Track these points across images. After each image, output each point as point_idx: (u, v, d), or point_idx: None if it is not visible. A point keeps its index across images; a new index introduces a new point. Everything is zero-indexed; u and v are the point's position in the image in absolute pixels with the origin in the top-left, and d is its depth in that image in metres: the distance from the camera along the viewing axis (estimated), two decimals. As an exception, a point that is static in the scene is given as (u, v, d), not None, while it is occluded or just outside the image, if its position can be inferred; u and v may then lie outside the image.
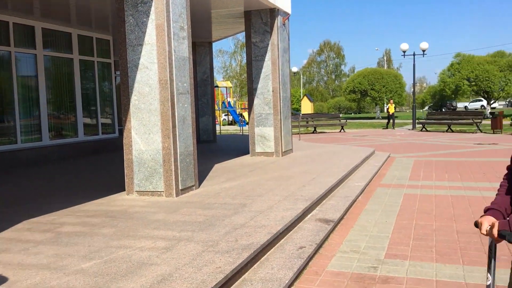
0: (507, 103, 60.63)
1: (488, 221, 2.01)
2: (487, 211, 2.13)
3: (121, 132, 14.61)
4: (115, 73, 14.54)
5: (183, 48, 6.88)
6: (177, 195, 6.64)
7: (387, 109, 30.27)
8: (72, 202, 6.44)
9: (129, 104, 6.71)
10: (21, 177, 9.04)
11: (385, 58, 79.65)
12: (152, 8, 6.47)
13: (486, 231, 1.99)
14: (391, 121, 28.03)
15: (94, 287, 3.37)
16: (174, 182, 6.59)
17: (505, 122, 25.05)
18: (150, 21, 6.51)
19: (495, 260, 1.99)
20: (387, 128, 27.72)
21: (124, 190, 6.96)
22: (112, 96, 14.53)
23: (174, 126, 6.62)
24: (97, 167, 10.30)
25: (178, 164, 6.70)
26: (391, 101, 30.16)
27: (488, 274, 2.01)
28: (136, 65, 6.62)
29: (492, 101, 40.48)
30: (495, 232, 1.91)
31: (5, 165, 10.32)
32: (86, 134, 13.20)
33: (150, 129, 6.64)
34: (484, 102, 44.85)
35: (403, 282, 3.95)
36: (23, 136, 11.13)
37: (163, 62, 6.49)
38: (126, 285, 3.39)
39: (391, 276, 4.11)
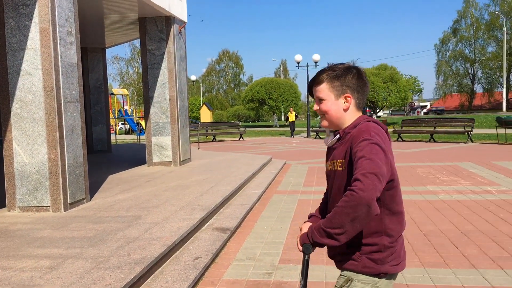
0: (390, 112, 65.82)
1: (304, 228, 2.12)
2: (310, 217, 2.27)
3: (1, 143, 13.46)
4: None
5: (71, 54, 6.52)
6: (65, 209, 6.24)
7: (287, 117, 31.16)
8: None
9: (9, 113, 6.20)
10: None
11: (281, 68, 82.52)
12: (36, 11, 6.06)
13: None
14: (293, 128, 28.68)
15: (-37, 316, 3.03)
16: (62, 195, 6.19)
17: (390, 129, 27.15)
18: (33, 25, 6.09)
19: (307, 267, 2.09)
20: (292, 136, 28.09)
21: (4, 206, 6.40)
22: None
23: (61, 137, 6.23)
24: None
25: (67, 176, 6.31)
26: (291, 109, 31.08)
27: (301, 278, 2.12)
28: (18, 71, 6.15)
29: (378, 110, 43.71)
30: (299, 247, 2.01)
31: None
32: None
33: (34, 139, 6.18)
34: (371, 112, 48.34)
35: (295, 286, 4.07)
36: None
37: (48, 68, 6.09)
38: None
39: (285, 281, 4.21)
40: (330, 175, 2.10)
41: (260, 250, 5.17)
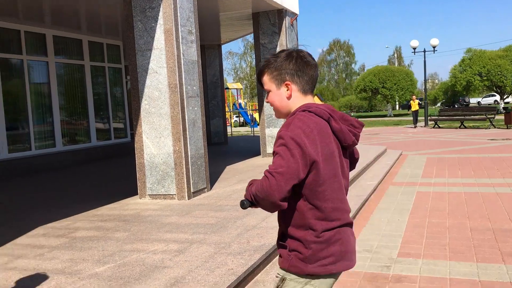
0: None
1: None
2: None
3: (133, 136, 14.74)
4: (126, 78, 14.66)
5: (192, 52, 6.92)
6: (189, 198, 6.68)
7: (409, 106, 29.13)
8: (86, 207, 6.52)
9: (139, 109, 6.77)
10: (36, 184, 9.16)
11: (395, 55, 79.17)
12: (160, 13, 6.53)
13: None
14: (416, 117, 26.67)
15: (108, 290, 3.42)
16: (186, 185, 6.63)
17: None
18: (158, 26, 6.57)
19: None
20: (415, 125, 26.35)
21: (137, 194, 7.02)
22: (123, 101, 14.65)
23: (184, 129, 6.66)
24: (110, 172, 10.40)
25: (190, 167, 6.74)
26: (414, 97, 28.39)
27: None
28: (146, 70, 6.68)
29: (505, 96, 40.01)
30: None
31: (20, 171, 10.47)
32: (98, 139, 13.33)
33: (161, 133, 6.69)
34: (497, 97, 44.34)
35: (416, 281, 3.94)
36: (37, 143, 11.28)
37: (172, 66, 6.54)
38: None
39: (404, 275, 4.09)
40: None
41: (377, 243, 5.07)
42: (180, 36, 6.62)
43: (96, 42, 13.30)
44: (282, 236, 1.94)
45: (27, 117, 11.03)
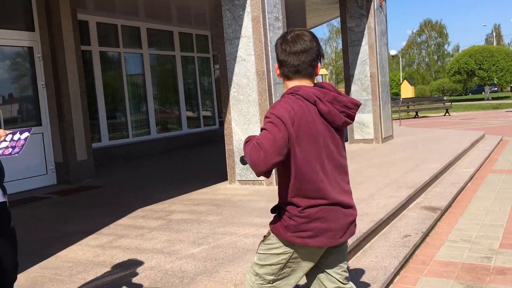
0: None
1: None
2: None
3: (221, 123, 15.13)
4: (213, 67, 15.06)
5: (279, 38, 6.93)
6: (276, 183, 6.75)
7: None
8: (180, 191, 6.83)
9: (228, 96, 6.93)
10: (134, 169, 9.75)
11: (494, 34, 73.58)
12: (248, 1, 6.60)
13: None
14: None
15: (204, 271, 3.57)
16: (274, 170, 6.70)
17: None
18: (246, 14, 6.65)
19: None
20: None
21: (227, 179, 7.22)
22: (211, 89, 15.08)
23: (272, 116, 6.71)
24: (201, 158, 10.79)
25: (278, 153, 6.80)
26: None
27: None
28: (234, 58, 6.81)
29: None
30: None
31: (119, 157, 11.20)
32: (189, 127, 13.87)
33: (249, 119, 6.81)
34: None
35: (521, 274, 3.68)
36: (134, 131, 11.99)
37: (259, 54, 6.60)
38: (234, 270, 3.54)
39: (508, 267, 3.84)
40: None
41: (476, 233, 4.80)
42: (267, 23, 6.66)
43: (186, 33, 13.78)
44: (278, 203, 2.19)
45: (125, 107, 11.74)
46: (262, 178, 6.78)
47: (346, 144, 11.52)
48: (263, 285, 2.24)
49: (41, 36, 8.08)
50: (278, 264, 2.18)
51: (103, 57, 11.19)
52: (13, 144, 2.36)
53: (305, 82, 2.11)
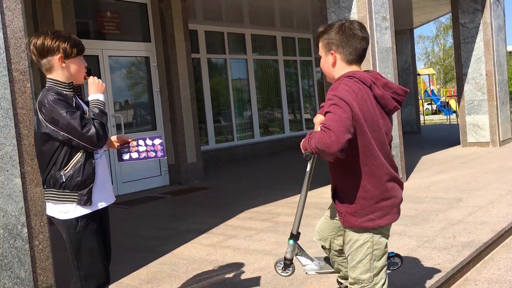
0: None
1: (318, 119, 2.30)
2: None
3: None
4: (315, 69, 15.02)
5: (386, 39, 6.73)
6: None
7: None
8: (284, 194, 6.90)
9: (334, 99, 6.86)
10: (238, 171, 10.05)
11: None
12: (354, 2, 6.50)
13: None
14: None
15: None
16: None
17: None
18: (351, 15, 6.55)
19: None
20: None
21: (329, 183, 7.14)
22: (313, 92, 15.06)
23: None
24: (304, 161, 10.78)
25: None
26: None
27: (308, 164, 2.58)
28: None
29: None
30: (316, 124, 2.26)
31: (224, 160, 11.61)
32: (291, 130, 13.97)
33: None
34: None
35: None
36: (238, 134, 12.35)
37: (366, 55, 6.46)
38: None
39: None
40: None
41: None
42: (374, 23, 6.50)
43: (288, 37, 13.91)
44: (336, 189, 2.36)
45: (230, 111, 12.15)
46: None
47: (457, 147, 10.85)
48: None
49: (156, 46, 8.65)
50: (367, 255, 2.25)
51: (210, 64, 11.69)
52: (152, 148, 2.58)
53: (360, 68, 2.28)
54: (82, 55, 2.52)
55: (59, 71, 2.47)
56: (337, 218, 2.44)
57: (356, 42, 2.20)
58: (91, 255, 2.40)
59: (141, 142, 2.63)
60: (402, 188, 2.33)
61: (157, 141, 2.64)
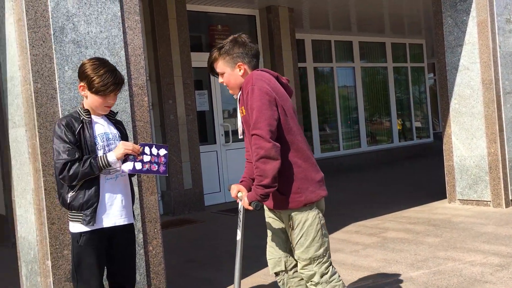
0: None
1: (236, 188, 2.54)
2: (241, 182, 2.61)
3: (436, 136, 14.22)
4: (428, 76, 14.26)
5: (510, 43, 6.17)
6: (506, 206, 5.98)
7: None
8: (393, 207, 6.60)
9: (448, 109, 6.44)
10: (344, 182, 9.83)
11: None
12: (473, 5, 6.05)
13: (236, 196, 2.53)
14: None
15: (425, 298, 3.34)
16: (503, 191, 5.96)
17: None
18: (470, 19, 6.10)
19: (243, 221, 2.53)
20: None
21: (445, 197, 6.70)
22: (425, 100, 14.32)
23: (501, 130, 6.00)
24: (414, 173, 10.28)
25: (508, 171, 6.03)
26: None
27: (238, 231, 2.53)
28: (456, 67, 6.31)
29: None
30: (246, 204, 2.39)
31: (330, 170, 11.45)
32: (400, 139, 13.39)
33: (472, 134, 6.20)
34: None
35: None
36: (345, 143, 12.12)
37: (486, 61, 5.98)
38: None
39: None
40: (243, 120, 2.50)
41: None
42: (496, 26, 5.99)
43: (398, 43, 13.39)
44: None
45: (336, 119, 11.97)
46: (487, 198, 6.10)
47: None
48: (324, 264, 2.44)
49: (263, 57, 8.81)
50: (318, 231, 2.44)
51: (317, 72, 11.64)
52: (156, 160, 2.50)
53: None
54: (106, 96, 2.49)
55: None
56: (279, 226, 2.60)
57: (253, 50, 2.49)
58: (90, 270, 2.48)
59: (146, 149, 2.51)
60: None
61: (162, 152, 2.53)
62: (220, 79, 2.55)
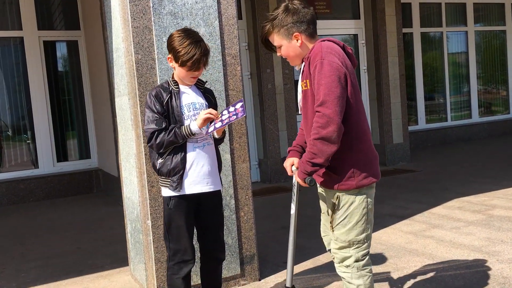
0: None
1: (289, 163, 2.49)
2: (288, 152, 2.56)
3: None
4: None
5: None
6: None
7: None
8: (503, 183, 6.10)
9: None
10: (450, 155, 9.25)
11: None
12: None
13: (292, 171, 2.47)
14: None
15: (531, 282, 3.08)
16: None
17: None
18: None
19: (297, 195, 2.52)
20: None
21: None
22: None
23: None
24: (532, 147, 9.36)
25: None
26: None
27: (292, 205, 2.54)
28: None
29: None
30: (300, 181, 2.32)
31: (435, 141, 10.83)
32: (518, 110, 12.22)
33: None
34: None
35: None
36: (453, 113, 11.34)
37: None
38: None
39: None
40: (303, 94, 2.35)
41: None
42: None
43: (520, 3, 12.06)
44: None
45: (444, 88, 11.21)
46: None
47: None
48: (362, 251, 2.33)
49: (365, 23, 8.46)
50: (363, 216, 2.31)
51: (424, 38, 10.93)
52: (234, 113, 2.51)
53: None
54: (190, 71, 2.55)
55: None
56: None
57: (307, 14, 2.31)
58: (179, 232, 2.62)
59: (225, 112, 2.56)
60: None
61: (238, 105, 2.55)
62: (278, 53, 2.42)
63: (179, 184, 2.58)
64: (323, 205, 2.57)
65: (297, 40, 2.32)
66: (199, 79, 2.70)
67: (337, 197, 2.32)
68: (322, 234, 2.64)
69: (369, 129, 2.38)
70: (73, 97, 8.04)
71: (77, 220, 5.93)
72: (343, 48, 2.31)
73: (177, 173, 2.58)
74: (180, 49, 2.50)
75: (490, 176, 6.71)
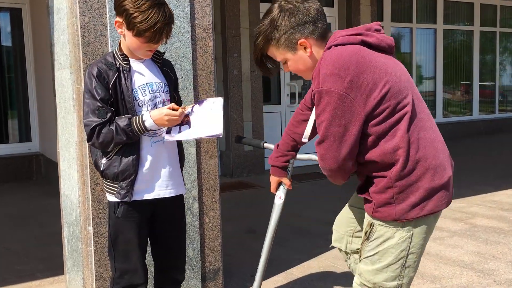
0: None
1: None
2: None
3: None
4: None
5: None
6: None
7: None
8: (480, 189, 5.78)
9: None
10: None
11: None
12: None
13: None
14: None
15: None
16: None
17: None
18: None
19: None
20: None
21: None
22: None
23: None
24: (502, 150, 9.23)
25: None
26: None
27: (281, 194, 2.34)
28: None
29: None
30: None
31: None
32: (500, 111, 12.18)
33: None
34: None
35: None
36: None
37: None
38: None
39: None
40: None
41: None
42: None
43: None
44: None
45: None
46: None
47: None
48: None
49: (338, 11, 8.00)
50: (399, 259, 1.67)
51: (393, 33, 10.64)
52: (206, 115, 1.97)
53: (331, 32, 1.82)
54: (148, 43, 1.91)
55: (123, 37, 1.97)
56: (359, 206, 1.91)
57: (307, 11, 1.68)
58: (128, 248, 2.02)
59: (196, 109, 1.96)
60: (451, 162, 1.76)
61: (218, 103, 1.97)
62: (285, 69, 1.81)
63: (129, 192, 1.96)
64: (352, 201, 2.05)
65: (305, 49, 1.72)
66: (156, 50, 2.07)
67: (370, 225, 1.73)
68: (334, 225, 2.12)
69: (439, 136, 1.74)
70: (14, 73, 7.14)
71: (9, 212, 5.15)
72: (361, 42, 1.65)
73: (127, 178, 1.95)
74: (136, 14, 1.83)
75: (467, 180, 6.28)
